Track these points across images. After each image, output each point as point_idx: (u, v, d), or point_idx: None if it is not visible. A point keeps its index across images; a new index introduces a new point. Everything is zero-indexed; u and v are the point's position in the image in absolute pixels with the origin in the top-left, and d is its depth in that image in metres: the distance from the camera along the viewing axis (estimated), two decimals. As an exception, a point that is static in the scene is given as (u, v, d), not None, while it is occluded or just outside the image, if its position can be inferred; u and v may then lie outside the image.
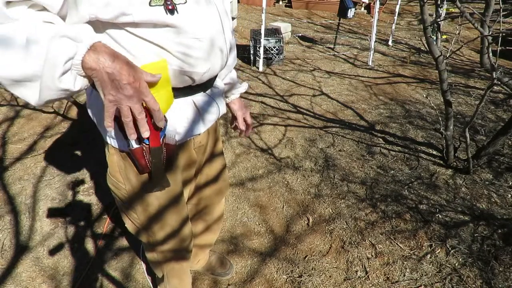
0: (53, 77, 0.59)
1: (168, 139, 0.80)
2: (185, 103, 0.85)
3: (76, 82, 0.63)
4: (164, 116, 0.79)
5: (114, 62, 0.62)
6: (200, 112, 0.89)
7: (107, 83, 0.62)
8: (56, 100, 0.66)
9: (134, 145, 0.76)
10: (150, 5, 0.66)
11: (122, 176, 0.90)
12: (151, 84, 0.73)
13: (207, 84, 0.89)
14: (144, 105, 0.69)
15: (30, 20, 0.57)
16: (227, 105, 1.19)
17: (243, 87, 1.20)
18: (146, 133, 0.70)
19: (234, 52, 1.10)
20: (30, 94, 0.60)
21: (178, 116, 0.84)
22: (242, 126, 1.22)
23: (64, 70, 0.59)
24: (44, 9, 0.60)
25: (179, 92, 0.82)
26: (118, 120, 0.74)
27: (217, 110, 0.95)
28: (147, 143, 0.76)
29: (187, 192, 1.08)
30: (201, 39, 0.75)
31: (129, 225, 1.04)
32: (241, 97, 1.21)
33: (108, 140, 0.86)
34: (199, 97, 0.88)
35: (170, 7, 0.68)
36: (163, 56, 0.73)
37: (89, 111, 0.88)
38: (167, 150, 0.81)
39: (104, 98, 0.64)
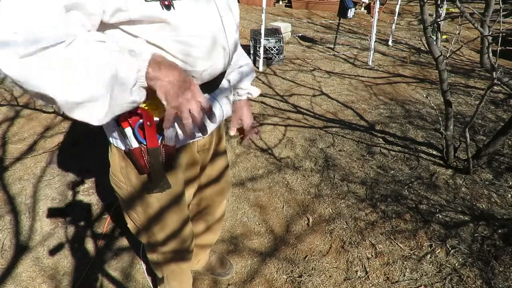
0: (124, 92, 0.64)
1: (166, 140, 0.80)
2: None
3: (141, 93, 0.67)
4: (163, 118, 0.79)
5: (174, 70, 0.67)
6: (204, 114, 0.88)
7: (170, 90, 0.66)
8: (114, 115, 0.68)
9: (133, 144, 0.77)
10: (146, 0, 0.66)
11: (123, 176, 0.90)
12: None
13: (211, 86, 0.89)
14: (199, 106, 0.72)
15: (87, 40, 0.60)
16: (233, 106, 1.09)
17: (252, 90, 1.10)
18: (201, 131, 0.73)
19: (240, 51, 1.06)
20: (92, 114, 0.62)
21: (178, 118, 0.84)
22: (251, 131, 1.11)
23: (134, 84, 0.64)
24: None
25: None
26: (117, 119, 0.75)
27: (221, 113, 0.94)
28: (145, 143, 0.77)
29: (190, 192, 1.07)
30: (200, 36, 0.75)
31: (130, 225, 1.04)
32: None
33: (111, 139, 0.87)
34: None
35: (166, 2, 0.68)
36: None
37: None
38: (166, 152, 0.81)
39: (167, 105, 0.68)
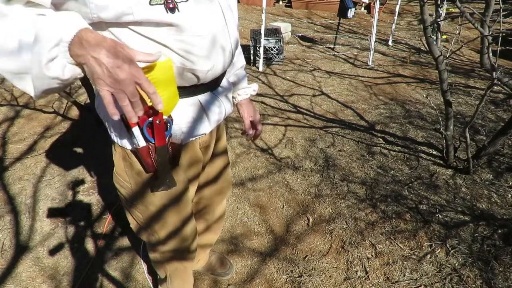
0: (40, 65, 0.58)
1: (173, 138, 0.80)
2: (190, 103, 0.85)
3: (66, 70, 0.61)
4: (170, 115, 0.79)
5: (100, 46, 0.59)
6: (206, 112, 0.89)
7: (95, 67, 0.59)
8: (53, 91, 0.65)
9: (141, 143, 0.77)
10: (150, 4, 0.66)
11: (127, 175, 0.90)
12: (157, 84, 0.73)
13: (213, 84, 0.89)
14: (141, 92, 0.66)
15: (22, 13, 0.58)
16: (236, 106, 1.17)
17: (251, 89, 1.15)
18: (140, 112, 0.67)
19: (238, 51, 1.09)
20: (27, 86, 0.61)
21: (183, 116, 0.85)
22: (249, 130, 1.18)
23: (50, 57, 0.58)
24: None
25: (185, 91, 0.83)
26: (124, 117, 0.75)
27: (223, 110, 0.95)
28: (153, 142, 0.77)
29: (192, 191, 1.07)
30: (203, 36, 0.75)
31: (133, 224, 1.05)
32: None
33: (115, 138, 0.87)
34: (205, 97, 0.88)
35: (171, 5, 0.68)
36: (166, 53, 0.74)
37: (97, 109, 0.89)
38: (172, 149, 0.82)
39: (96, 85, 0.61)
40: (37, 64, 0.58)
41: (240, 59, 1.12)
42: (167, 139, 0.79)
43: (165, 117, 0.77)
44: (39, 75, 0.59)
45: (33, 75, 0.60)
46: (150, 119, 0.75)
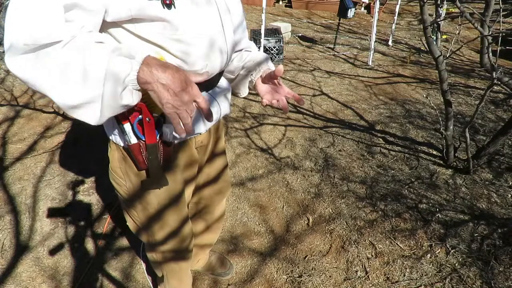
0: (115, 95, 0.62)
1: (165, 137, 0.81)
2: None
3: (134, 97, 0.66)
4: (162, 114, 0.80)
5: (166, 73, 0.63)
6: (200, 112, 0.89)
7: (163, 93, 0.64)
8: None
9: (132, 140, 0.78)
10: None
11: (122, 172, 0.91)
12: None
13: (209, 84, 0.89)
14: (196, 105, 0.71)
15: (85, 42, 0.60)
16: (254, 86, 0.99)
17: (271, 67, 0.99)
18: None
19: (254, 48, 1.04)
20: (90, 115, 0.64)
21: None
22: (269, 94, 0.97)
23: (124, 87, 0.63)
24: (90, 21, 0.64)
25: None
26: (116, 115, 0.75)
27: (218, 110, 0.94)
28: (144, 139, 0.78)
29: (189, 192, 1.07)
30: (200, 36, 0.75)
31: (130, 224, 1.05)
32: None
33: (110, 135, 0.87)
34: None
35: (167, 1, 0.68)
36: (162, 55, 0.74)
37: None
38: (164, 149, 0.82)
39: (163, 108, 0.66)
40: (111, 95, 0.62)
41: (252, 52, 1.02)
42: (157, 138, 0.79)
43: (156, 115, 0.78)
44: (112, 104, 0.63)
45: (104, 104, 0.63)
46: (140, 116, 0.75)
